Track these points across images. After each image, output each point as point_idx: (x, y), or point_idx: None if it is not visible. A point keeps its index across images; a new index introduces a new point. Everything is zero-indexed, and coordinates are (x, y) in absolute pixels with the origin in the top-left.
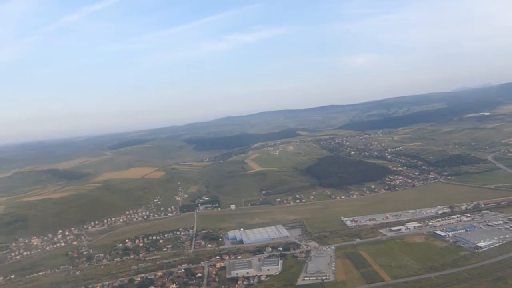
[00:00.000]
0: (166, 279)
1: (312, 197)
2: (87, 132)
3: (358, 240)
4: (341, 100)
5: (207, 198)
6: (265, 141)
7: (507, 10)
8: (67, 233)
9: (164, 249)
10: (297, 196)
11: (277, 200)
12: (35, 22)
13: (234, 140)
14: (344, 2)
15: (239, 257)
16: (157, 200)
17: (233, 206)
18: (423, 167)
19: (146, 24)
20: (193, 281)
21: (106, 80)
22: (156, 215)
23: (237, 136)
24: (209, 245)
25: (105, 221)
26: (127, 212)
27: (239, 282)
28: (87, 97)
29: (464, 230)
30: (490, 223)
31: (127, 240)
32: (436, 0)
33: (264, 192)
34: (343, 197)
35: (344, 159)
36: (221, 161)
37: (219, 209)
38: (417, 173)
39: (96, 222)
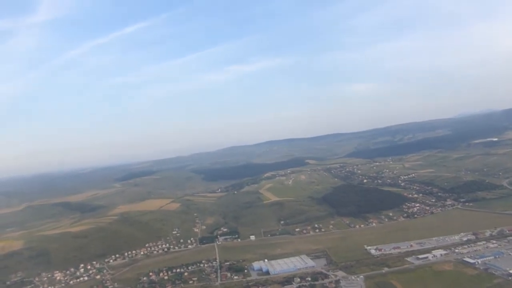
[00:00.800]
0: None
1: (331, 226)
2: (92, 164)
3: (386, 269)
4: (345, 128)
5: (226, 229)
6: (275, 170)
7: (508, 36)
8: (89, 267)
9: (190, 282)
10: (316, 225)
11: (297, 230)
12: (40, 57)
13: (242, 170)
14: (343, 31)
15: None
16: (175, 232)
17: (252, 237)
18: (439, 194)
19: (147, 57)
20: None
21: (109, 112)
22: (176, 247)
23: (244, 166)
24: (235, 277)
25: (126, 254)
26: (147, 245)
27: None
28: (90, 129)
29: (493, 257)
30: None
31: (151, 274)
32: (435, 27)
33: (282, 222)
34: (362, 225)
35: (359, 187)
36: (235, 192)
37: (239, 240)
38: (433, 200)
39: (117, 255)
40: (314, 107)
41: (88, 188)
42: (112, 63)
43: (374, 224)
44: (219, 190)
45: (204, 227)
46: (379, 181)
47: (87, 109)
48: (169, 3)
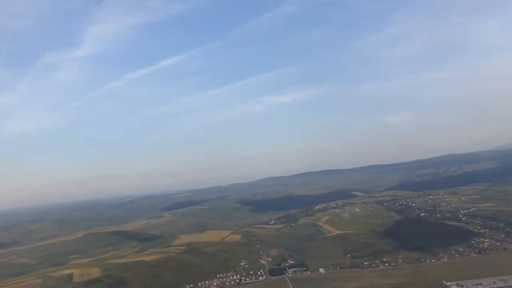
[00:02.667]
0: None
1: (400, 260)
2: (131, 192)
3: None
4: (384, 159)
5: (292, 262)
6: (325, 202)
7: None
8: None
9: None
10: (384, 259)
11: (365, 263)
12: (81, 89)
13: (286, 201)
14: (377, 62)
15: None
16: (243, 263)
17: (321, 270)
18: (506, 229)
19: (183, 88)
20: None
21: (146, 142)
22: (247, 279)
23: (287, 197)
24: None
25: (200, 284)
26: (218, 276)
27: None
28: (128, 158)
29: None
30: None
31: None
32: (474, 57)
33: (349, 255)
34: (432, 260)
35: (421, 221)
36: (293, 224)
37: (308, 272)
38: (502, 236)
39: (191, 285)
40: (350, 137)
41: (138, 217)
42: (150, 94)
43: (445, 259)
44: (273, 222)
45: (269, 259)
46: (438, 215)
47: (125, 139)
48: (205, 37)
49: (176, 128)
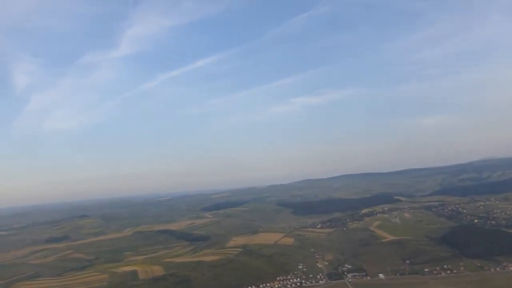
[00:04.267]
0: None
1: (461, 268)
2: (163, 191)
3: None
4: (421, 163)
5: (350, 266)
6: (363, 207)
7: None
8: None
9: None
10: (445, 266)
11: (426, 270)
12: (117, 89)
13: (327, 204)
14: (411, 64)
15: None
16: (301, 267)
17: (381, 275)
18: None
19: (216, 88)
20: None
21: (179, 141)
22: (307, 282)
23: (326, 200)
24: None
25: (261, 286)
26: (278, 278)
27: None
28: (161, 157)
29: None
30: None
31: None
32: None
33: (408, 261)
34: (497, 269)
35: (477, 228)
36: (344, 228)
37: (368, 278)
38: None
39: (253, 287)
40: (386, 140)
41: (180, 216)
42: (183, 94)
43: (511, 268)
44: (320, 225)
45: (325, 263)
46: (493, 222)
47: (158, 138)
48: (238, 39)
49: (208, 129)
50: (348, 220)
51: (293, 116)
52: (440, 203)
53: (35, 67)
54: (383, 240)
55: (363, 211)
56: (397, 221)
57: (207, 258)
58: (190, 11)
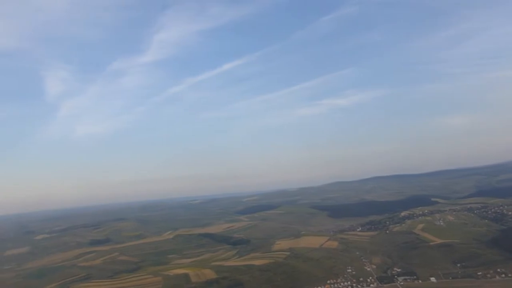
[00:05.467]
0: None
1: None
2: (191, 194)
3: None
4: (454, 164)
5: (399, 270)
6: (401, 209)
7: None
8: None
9: None
10: (498, 270)
11: (479, 273)
12: (145, 94)
13: (361, 207)
14: (439, 62)
15: None
16: (350, 270)
17: (433, 279)
18: None
19: (243, 91)
20: None
21: (205, 145)
22: (358, 286)
23: (361, 203)
24: None
25: None
26: (328, 282)
27: None
28: (188, 160)
29: None
30: None
31: None
32: None
33: (459, 265)
34: None
35: None
36: (387, 231)
37: (420, 281)
38: None
39: None
40: (415, 141)
41: (216, 220)
42: (210, 98)
43: None
44: (360, 228)
45: (374, 266)
46: None
47: (185, 142)
48: (265, 41)
49: (235, 132)
50: (388, 223)
51: (320, 118)
52: (482, 205)
53: (67, 74)
54: (431, 243)
55: (402, 214)
56: (442, 224)
57: (257, 262)
58: (216, 16)
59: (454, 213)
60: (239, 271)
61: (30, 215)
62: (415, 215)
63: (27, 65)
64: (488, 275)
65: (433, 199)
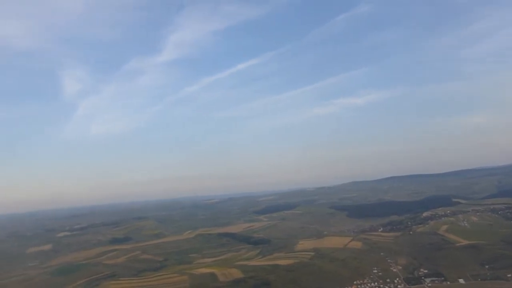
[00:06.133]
0: None
1: None
2: (206, 193)
3: None
4: (471, 164)
5: (426, 271)
6: (422, 210)
7: None
8: None
9: None
10: None
11: (508, 275)
12: (161, 93)
13: (380, 207)
14: (455, 61)
15: None
16: (376, 271)
17: (461, 280)
18: None
19: (257, 90)
20: None
21: (220, 144)
22: (386, 286)
23: (379, 203)
24: None
25: None
26: (355, 282)
27: None
28: (203, 159)
29: None
30: None
31: None
32: None
33: (487, 266)
34: None
35: None
36: (410, 232)
37: (448, 283)
38: None
39: None
40: (432, 140)
41: (234, 219)
42: (225, 97)
43: None
44: (381, 229)
45: (399, 267)
46: None
47: (200, 141)
48: (279, 41)
49: (248, 131)
50: (410, 223)
51: (333, 118)
52: (506, 205)
53: (84, 73)
54: (457, 245)
55: (424, 214)
56: (466, 224)
57: (282, 262)
58: (231, 15)
59: (477, 214)
60: (265, 270)
61: (46, 213)
62: (437, 215)
63: (45, 64)
64: None
65: (454, 200)
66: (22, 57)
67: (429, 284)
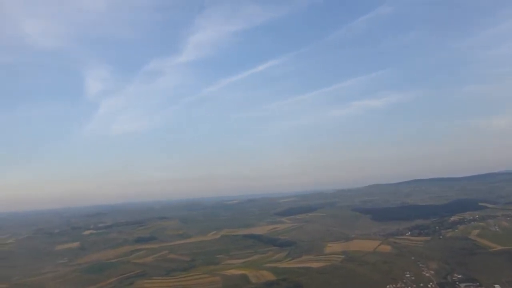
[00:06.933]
0: None
1: None
2: (222, 193)
3: None
4: (496, 167)
5: (460, 276)
6: (449, 214)
7: None
8: None
9: None
10: None
11: None
12: (181, 93)
13: (404, 211)
14: (478, 62)
15: None
16: (408, 275)
17: (497, 286)
18: None
19: (276, 92)
20: None
21: (237, 144)
22: None
23: (403, 206)
24: None
25: None
26: (387, 286)
27: None
28: (221, 160)
29: None
30: None
31: None
32: None
33: None
34: None
35: None
36: (440, 237)
37: None
38: None
39: None
40: (454, 143)
41: (257, 221)
42: (243, 98)
43: None
44: (409, 233)
45: (432, 271)
46: None
47: (217, 141)
48: (299, 42)
49: (267, 132)
50: (437, 227)
51: (353, 120)
52: None
53: (106, 73)
54: (491, 250)
55: (452, 219)
56: (497, 229)
57: (313, 265)
58: (252, 16)
59: (508, 218)
60: (296, 273)
61: (68, 210)
62: (465, 220)
63: (68, 64)
64: None
65: (480, 204)
66: (47, 56)
67: None
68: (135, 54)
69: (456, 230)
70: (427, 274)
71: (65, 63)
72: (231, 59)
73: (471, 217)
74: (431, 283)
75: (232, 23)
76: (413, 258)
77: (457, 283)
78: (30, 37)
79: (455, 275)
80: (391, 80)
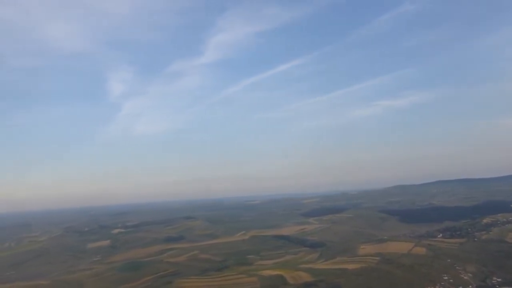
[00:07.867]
0: None
1: None
2: (243, 193)
3: None
4: None
5: (499, 279)
6: (479, 216)
7: None
8: None
9: None
10: None
11: None
12: (202, 94)
13: (432, 212)
14: (503, 60)
15: None
16: (446, 278)
17: None
18: None
19: (298, 92)
20: None
21: (259, 144)
22: None
23: (430, 208)
24: None
25: None
26: None
27: None
28: (242, 160)
29: None
30: None
31: None
32: None
33: None
34: None
35: None
36: (475, 239)
37: None
38: None
39: None
40: (481, 143)
41: (283, 221)
42: (265, 99)
43: None
44: (440, 235)
45: (470, 274)
46: None
47: (239, 141)
48: (321, 42)
49: (290, 133)
50: (470, 230)
51: (377, 119)
52: None
53: (129, 75)
54: None
55: (484, 221)
56: None
57: (349, 266)
58: (273, 17)
59: None
60: (334, 274)
61: (95, 209)
62: (499, 222)
63: (92, 66)
64: None
65: None
66: (72, 58)
67: None
68: (157, 56)
69: (491, 233)
70: (465, 277)
71: (89, 66)
72: (253, 59)
73: (505, 219)
74: (470, 286)
75: (253, 24)
76: (449, 260)
77: (497, 286)
78: (55, 41)
79: (495, 278)
80: (414, 79)
